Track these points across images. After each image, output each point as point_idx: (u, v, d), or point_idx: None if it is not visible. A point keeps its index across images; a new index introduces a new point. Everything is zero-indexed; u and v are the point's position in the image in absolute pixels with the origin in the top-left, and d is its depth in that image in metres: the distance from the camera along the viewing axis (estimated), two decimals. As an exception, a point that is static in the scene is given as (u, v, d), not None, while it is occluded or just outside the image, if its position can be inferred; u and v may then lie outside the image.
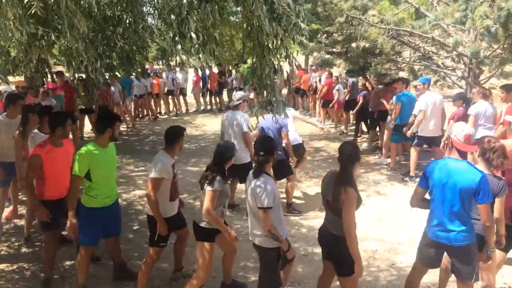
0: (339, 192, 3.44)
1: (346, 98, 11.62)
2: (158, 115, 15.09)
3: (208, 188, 3.86)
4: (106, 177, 4.25)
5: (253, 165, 3.91)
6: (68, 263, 5.06)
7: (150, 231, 4.27)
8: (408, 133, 7.83)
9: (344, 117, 12.16)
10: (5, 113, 5.74)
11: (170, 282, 4.67)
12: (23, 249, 5.41)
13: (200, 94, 16.14)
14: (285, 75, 14.08)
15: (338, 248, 3.63)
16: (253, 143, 4.40)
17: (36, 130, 5.12)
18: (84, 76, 6.31)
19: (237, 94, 6.61)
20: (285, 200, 6.45)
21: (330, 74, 12.61)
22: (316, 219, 6.14)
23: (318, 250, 4.95)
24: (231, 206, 6.58)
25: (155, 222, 4.13)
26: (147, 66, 16.80)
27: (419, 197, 3.86)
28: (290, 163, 6.64)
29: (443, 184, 3.58)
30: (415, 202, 3.89)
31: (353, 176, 3.57)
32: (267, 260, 3.76)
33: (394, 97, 8.75)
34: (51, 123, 4.50)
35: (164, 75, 15.51)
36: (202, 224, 4.02)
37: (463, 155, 3.65)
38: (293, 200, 6.79)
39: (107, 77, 9.97)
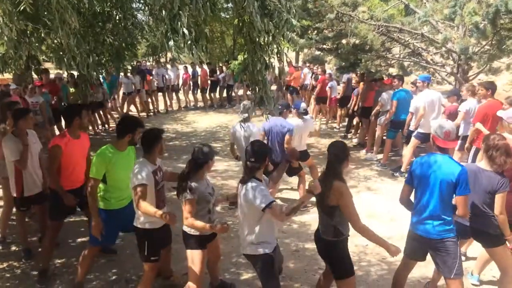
0: (329, 188, 3.47)
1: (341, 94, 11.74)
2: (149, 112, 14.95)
3: (182, 198, 3.74)
4: (121, 180, 4.16)
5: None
6: (59, 260, 5.05)
7: (138, 246, 4.04)
8: (405, 132, 7.96)
9: (339, 113, 12.21)
10: None
11: None
12: (13, 247, 5.38)
13: (190, 91, 16.08)
14: (276, 71, 14.05)
15: (328, 253, 3.69)
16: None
17: (10, 135, 4.86)
18: (75, 72, 6.25)
19: (245, 105, 6.39)
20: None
21: (324, 71, 12.64)
22: (307, 215, 6.17)
23: (309, 245, 5.00)
24: (234, 204, 6.55)
25: (144, 236, 3.96)
26: (144, 63, 16.62)
27: (405, 194, 3.92)
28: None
29: (424, 178, 3.66)
30: (403, 199, 3.95)
31: (342, 173, 3.59)
32: (262, 268, 3.65)
33: (383, 94, 8.83)
34: (67, 115, 4.60)
35: (154, 71, 15.41)
36: (188, 230, 3.90)
37: (444, 151, 3.69)
38: (285, 195, 6.82)
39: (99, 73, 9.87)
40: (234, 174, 8.17)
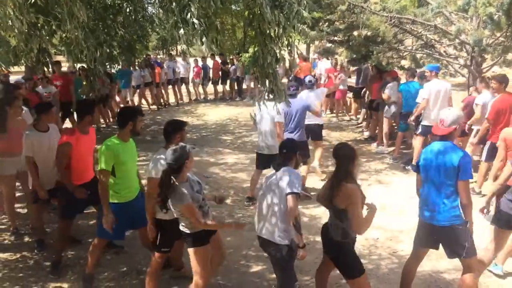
0: (337, 189, 3.44)
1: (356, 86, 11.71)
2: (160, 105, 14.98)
3: (175, 207, 3.58)
4: (128, 171, 4.24)
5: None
6: (71, 252, 5.09)
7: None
8: (412, 118, 7.92)
9: (355, 106, 12.11)
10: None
11: (168, 279, 4.56)
12: (26, 238, 5.45)
13: (200, 84, 16.08)
14: (287, 64, 14.00)
15: (336, 253, 3.65)
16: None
17: (31, 128, 4.98)
18: (84, 66, 6.28)
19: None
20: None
21: (337, 64, 12.60)
22: (317, 208, 6.14)
23: (319, 238, 4.97)
24: (250, 198, 6.47)
25: (156, 227, 3.95)
26: (152, 56, 16.63)
27: (419, 184, 3.97)
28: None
29: (429, 166, 3.74)
30: (417, 190, 4.00)
31: (353, 174, 3.54)
32: (280, 257, 3.66)
33: (388, 85, 8.79)
34: (80, 111, 4.66)
35: (165, 64, 15.42)
36: (185, 229, 3.70)
37: (444, 138, 3.73)
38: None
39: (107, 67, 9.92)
40: (244, 167, 8.17)
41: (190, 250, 3.73)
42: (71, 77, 10.51)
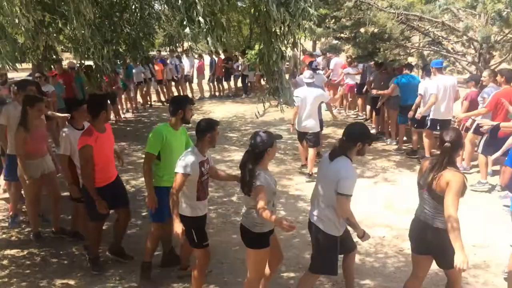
0: (440, 175, 3.27)
1: (358, 82, 11.69)
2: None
3: (255, 184, 3.38)
4: (174, 160, 4.02)
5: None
6: (77, 247, 5.12)
7: (187, 232, 3.85)
8: (411, 114, 7.94)
9: (360, 102, 12.09)
10: (16, 101, 5.66)
11: (175, 279, 4.52)
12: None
13: (205, 80, 16.04)
14: (292, 62, 13.97)
15: (441, 242, 3.41)
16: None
17: (68, 126, 4.90)
18: (91, 63, 6.27)
19: (307, 73, 7.33)
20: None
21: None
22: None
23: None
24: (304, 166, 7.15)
25: (190, 223, 3.83)
26: (155, 53, 16.61)
27: (507, 175, 3.83)
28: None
29: None
30: (504, 181, 3.90)
31: (455, 161, 3.39)
32: (323, 245, 3.64)
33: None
34: (93, 108, 4.43)
35: (168, 61, 15.41)
36: (256, 230, 3.53)
37: None
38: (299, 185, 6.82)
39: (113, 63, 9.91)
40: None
41: (251, 251, 3.59)
42: (71, 73, 10.54)
